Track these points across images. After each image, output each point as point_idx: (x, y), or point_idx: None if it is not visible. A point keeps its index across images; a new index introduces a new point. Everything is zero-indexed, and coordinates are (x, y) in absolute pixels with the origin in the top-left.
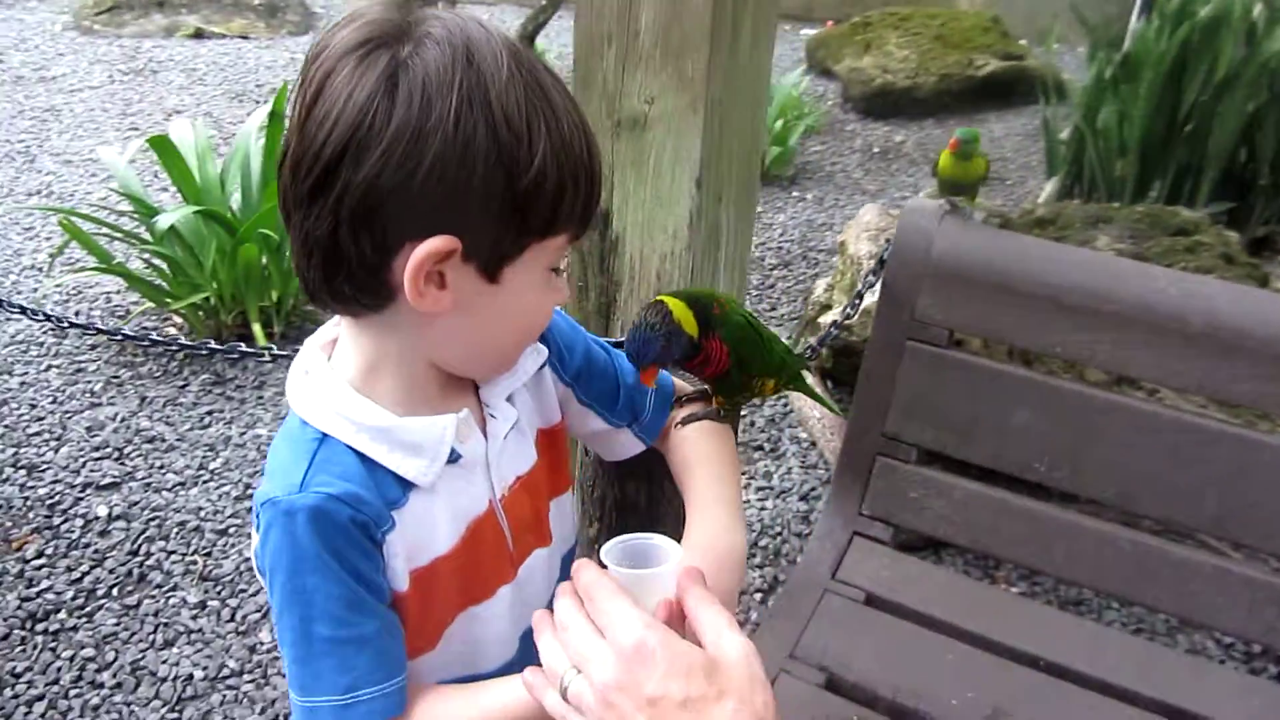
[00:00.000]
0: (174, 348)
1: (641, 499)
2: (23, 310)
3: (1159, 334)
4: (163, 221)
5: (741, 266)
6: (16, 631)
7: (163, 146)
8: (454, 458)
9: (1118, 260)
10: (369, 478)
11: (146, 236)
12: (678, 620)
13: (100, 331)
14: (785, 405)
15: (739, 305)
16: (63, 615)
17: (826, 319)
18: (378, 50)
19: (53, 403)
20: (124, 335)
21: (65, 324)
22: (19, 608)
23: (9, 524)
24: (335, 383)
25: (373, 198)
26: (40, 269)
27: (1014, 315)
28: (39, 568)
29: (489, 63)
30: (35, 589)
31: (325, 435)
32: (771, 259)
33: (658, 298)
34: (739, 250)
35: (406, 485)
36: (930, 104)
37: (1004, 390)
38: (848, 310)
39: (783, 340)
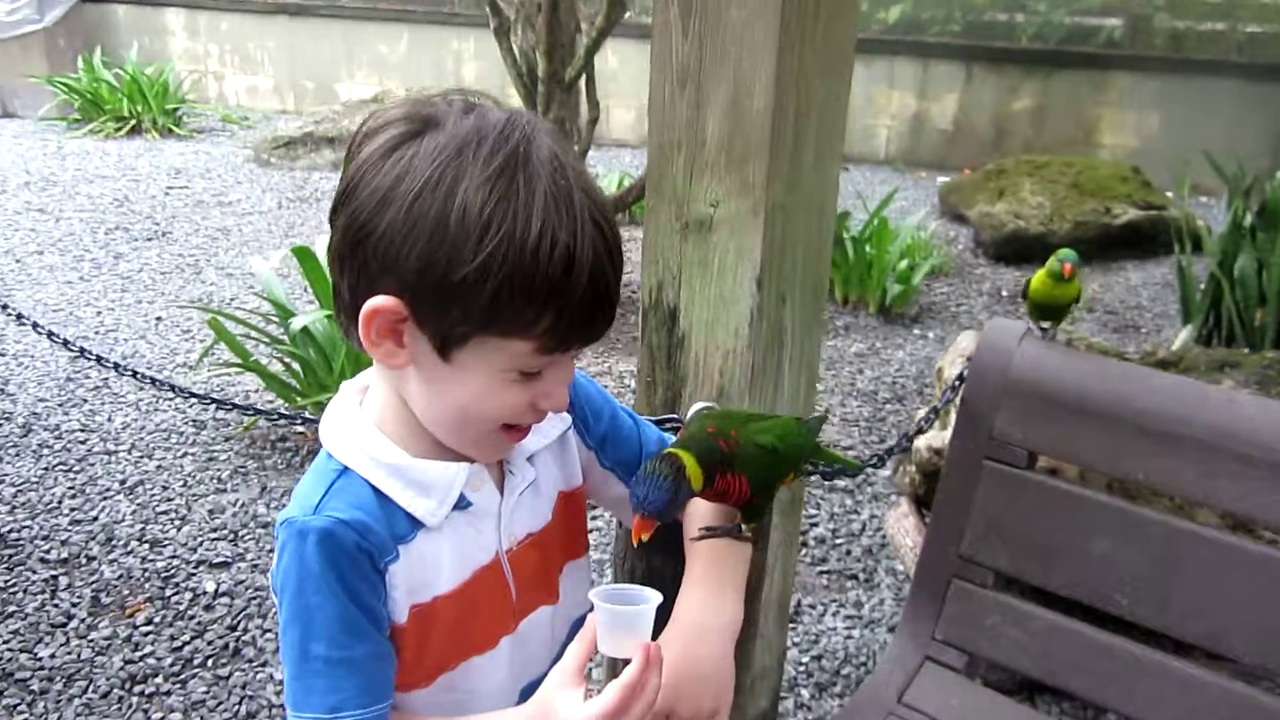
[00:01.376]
0: (295, 423)
1: (668, 572)
2: (173, 388)
3: (1246, 463)
4: (296, 323)
5: (809, 371)
6: (116, 690)
7: (305, 256)
8: (465, 505)
9: (1202, 385)
10: (380, 511)
11: (284, 338)
12: (655, 660)
13: (236, 407)
14: (882, 536)
15: (753, 424)
16: (159, 679)
17: (921, 442)
18: (411, 124)
19: (183, 485)
20: (255, 410)
21: (209, 400)
22: (121, 669)
23: (126, 592)
24: (361, 421)
25: (347, 242)
26: (191, 366)
27: (1094, 438)
28: (145, 634)
29: (481, 157)
30: (139, 653)
31: (346, 468)
32: (885, 393)
33: (670, 449)
34: (805, 354)
35: (415, 523)
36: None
37: (1084, 515)
38: (921, 424)
39: (791, 422)
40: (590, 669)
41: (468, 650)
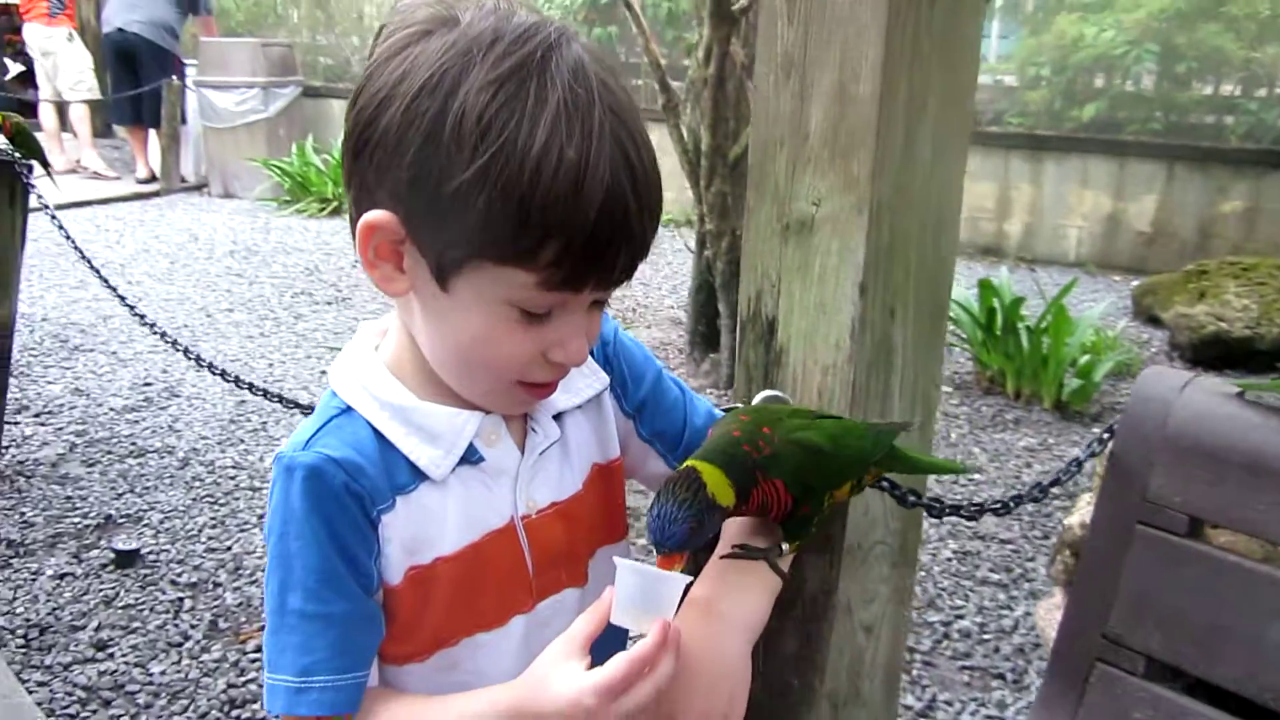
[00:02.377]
0: None
1: None
2: None
3: None
4: None
5: (926, 403)
6: (215, 712)
7: None
8: (477, 459)
9: None
10: (380, 456)
11: None
12: (673, 641)
13: None
14: (1036, 635)
15: (793, 419)
16: (256, 705)
17: (1074, 519)
18: (427, 24)
19: None
20: None
21: None
22: (224, 691)
23: (243, 619)
24: (369, 360)
25: (350, 149)
26: None
27: (1271, 502)
28: (253, 660)
29: (490, 58)
30: (243, 678)
31: (349, 408)
32: (1055, 488)
33: (689, 462)
34: (921, 382)
35: (419, 474)
36: (1272, 355)
37: (1258, 595)
38: (1059, 476)
39: (851, 424)
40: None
41: (472, 624)
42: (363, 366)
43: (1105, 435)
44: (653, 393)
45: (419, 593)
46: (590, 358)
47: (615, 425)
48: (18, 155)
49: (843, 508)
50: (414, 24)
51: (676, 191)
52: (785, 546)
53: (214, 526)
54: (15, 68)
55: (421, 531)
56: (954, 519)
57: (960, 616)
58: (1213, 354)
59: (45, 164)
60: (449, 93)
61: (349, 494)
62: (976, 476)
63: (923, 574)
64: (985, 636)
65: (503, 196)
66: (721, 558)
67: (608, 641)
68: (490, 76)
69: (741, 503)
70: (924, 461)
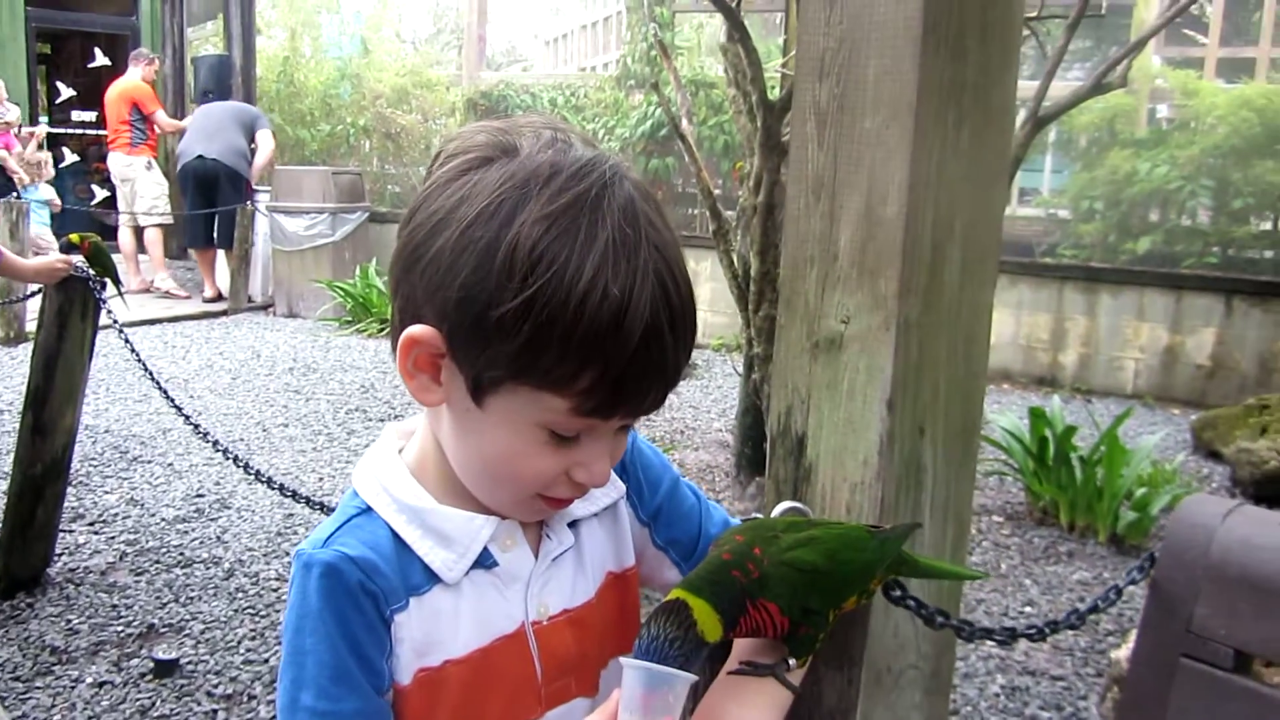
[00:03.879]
0: None
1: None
2: None
3: None
4: None
5: (958, 525)
6: None
7: None
8: (490, 564)
9: None
10: (396, 557)
11: None
12: None
13: None
14: None
15: (788, 535)
16: None
17: (1121, 654)
18: (486, 150)
19: None
20: None
21: None
22: None
23: None
24: (392, 462)
25: (401, 264)
26: None
27: None
28: None
29: (547, 193)
30: None
31: (369, 508)
32: (1108, 624)
33: (677, 593)
34: (953, 503)
35: (433, 577)
36: None
37: None
38: (1096, 603)
39: (853, 532)
40: None
41: None
42: (385, 468)
43: (1146, 563)
44: (669, 500)
45: (427, 696)
46: None
47: (631, 533)
48: (92, 273)
49: (864, 623)
50: (473, 150)
51: (729, 317)
52: (792, 662)
53: (253, 638)
54: (100, 193)
55: (433, 633)
56: (995, 649)
57: None
58: (1274, 490)
59: (118, 283)
60: (504, 223)
61: (364, 592)
62: (1027, 609)
63: (969, 709)
64: None
65: (547, 326)
66: (729, 674)
67: None
68: (545, 211)
69: (729, 630)
70: (936, 567)
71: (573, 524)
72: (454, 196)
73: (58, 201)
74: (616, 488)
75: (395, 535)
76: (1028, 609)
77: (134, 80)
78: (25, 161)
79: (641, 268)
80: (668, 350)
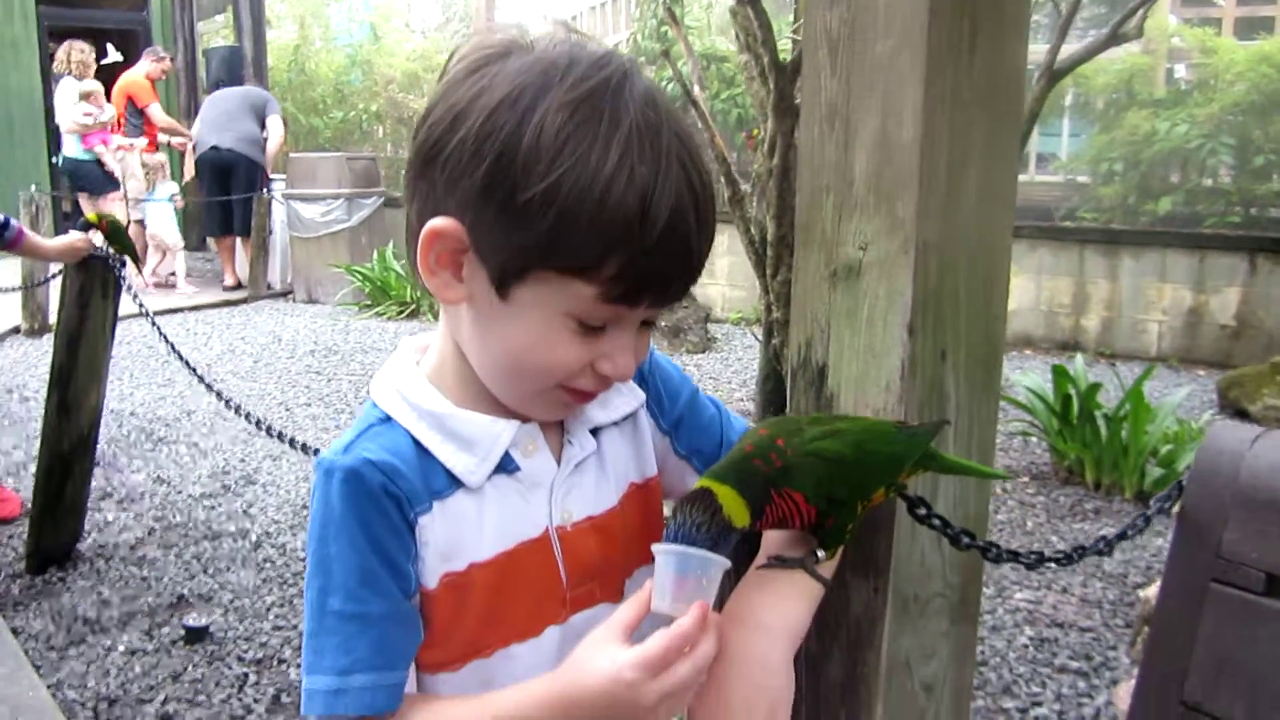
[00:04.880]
0: None
1: None
2: None
3: None
4: None
5: (982, 451)
6: None
7: None
8: (513, 468)
9: None
10: (418, 462)
11: None
12: (712, 623)
13: None
14: None
15: (813, 428)
16: None
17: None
18: (500, 47)
19: None
20: None
21: None
22: None
23: None
24: (409, 372)
25: (418, 162)
26: None
27: None
28: None
29: (568, 81)
30: None
31: (388, 417)
32: (1137, 576)
33: (702, 482)
34: (976, 430)
35: (455, 482)
36: None
37: None
38: (1125, 530)
39: (879, 426)
40: None
41: (506, 633)
42: (402, 377)
43: (1174, 491)
44: (689, 409)
45: (454, 599)
46: None
47: (652, 443)
48: (111, 252)
49: (889, 532)
50: (490, 46)
51: (747, 290)
52: (821, 554)
53: (281, 605)
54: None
55: (457, 538)
56: (1024, 601)
57: (1038, 703)
58: None
59: (137, 261)
60: (527, 109)
61: (387, 495)
62: (1053, 565)
63: (997, 659)
64: None
65: (574, 210)
66: (757, 569)
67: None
68: (568, 97)
69: (756, 519)
70: (963, 464)
71: (594, 432)
72: (474, 89)
73: (180, 198)
74: (636, 396)
75: (416, 442)
76: (1053, 565)
77: (134, 75)
78: (145, 166)
79: (665, 152)
80: (691, 235)
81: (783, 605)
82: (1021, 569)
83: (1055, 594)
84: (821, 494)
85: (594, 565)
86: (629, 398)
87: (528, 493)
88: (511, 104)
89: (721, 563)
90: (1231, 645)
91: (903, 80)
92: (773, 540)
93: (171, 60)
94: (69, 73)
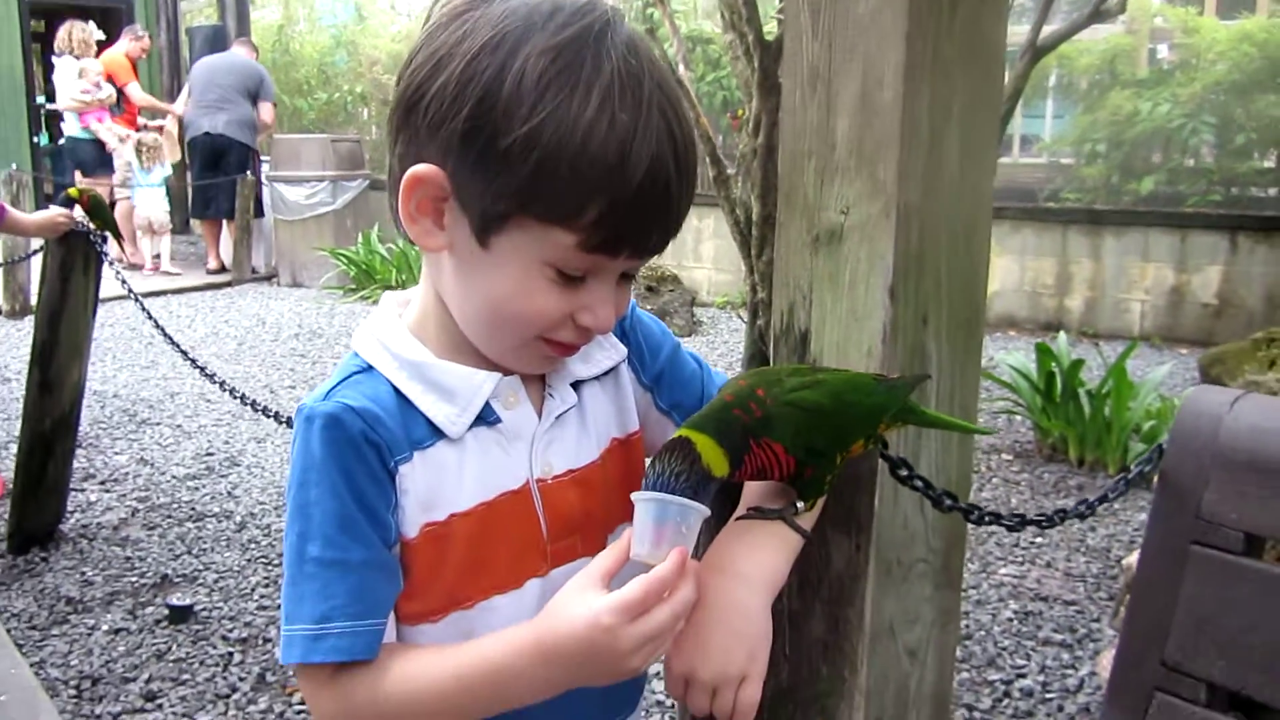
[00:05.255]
0: None
1: None
2: None
3: None
4: None
5: (966, 414)
6: None
7: None
8: (493, 420)
9: None
10: (399, 411)
11: None
12: (691, 570)
13: None
14: (1101, 694)
15: (793, 379)
16: None
17: (1135, 558)
18: None
19: None
20: None
21: None
22: None
23: (291, 673)
24: (391, 323)
25: (400, 109)
26: None
27: None
28: (299, 712)
29: (550, 27)
30: None
31: (370, 367)
32: (1119, 550)
33: (681, 431)
34: (958, 395)
35: (437, 432)
36: None
37: None
38: (1106, 493)
39: (859, 378)
40: None
41: (486, 585)
42: (384, 328)
43: (1155, 454)
44: (670, 364)
45: (434, 549)
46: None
47: (634, 399)
48: (93, 227)
49: (870, 489)
50: None
51: (733, 275)
52: (800, 505)
53: (266, 585)
54: None
55: (437, 488)
56: (1008, 576)
57: (1022, 675)
58: None
59: (119, 236)
60: (509, 53)
61: (367, 442)
62: (1039, 539)
63: (982, 633)
64: (1049, 695)
65: (554, 156)
66: (737, 519)
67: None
68: (550, 43)
69: (735, 469)
70: (943, 419)
71: (575, 386)
72: (455, 33)
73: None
74: (618, 350)
75: (397, 391)
76: (1039, 539)
77: (114, 54)
78: (142, 146)
79: (646, 100)
80: (671, 185)
81: (761, 555)
82: (1006, 544)
83: (1039, 569)
84: (800, 444)
85: (575, 518)
86: (610, 352)
87: (508, 444)
88: (493, 49)
89: (701, 510)
90: (1211, 606)
91: (884, 40)
92: (752, 492)
93: (151, 39)
94: (69, 51)
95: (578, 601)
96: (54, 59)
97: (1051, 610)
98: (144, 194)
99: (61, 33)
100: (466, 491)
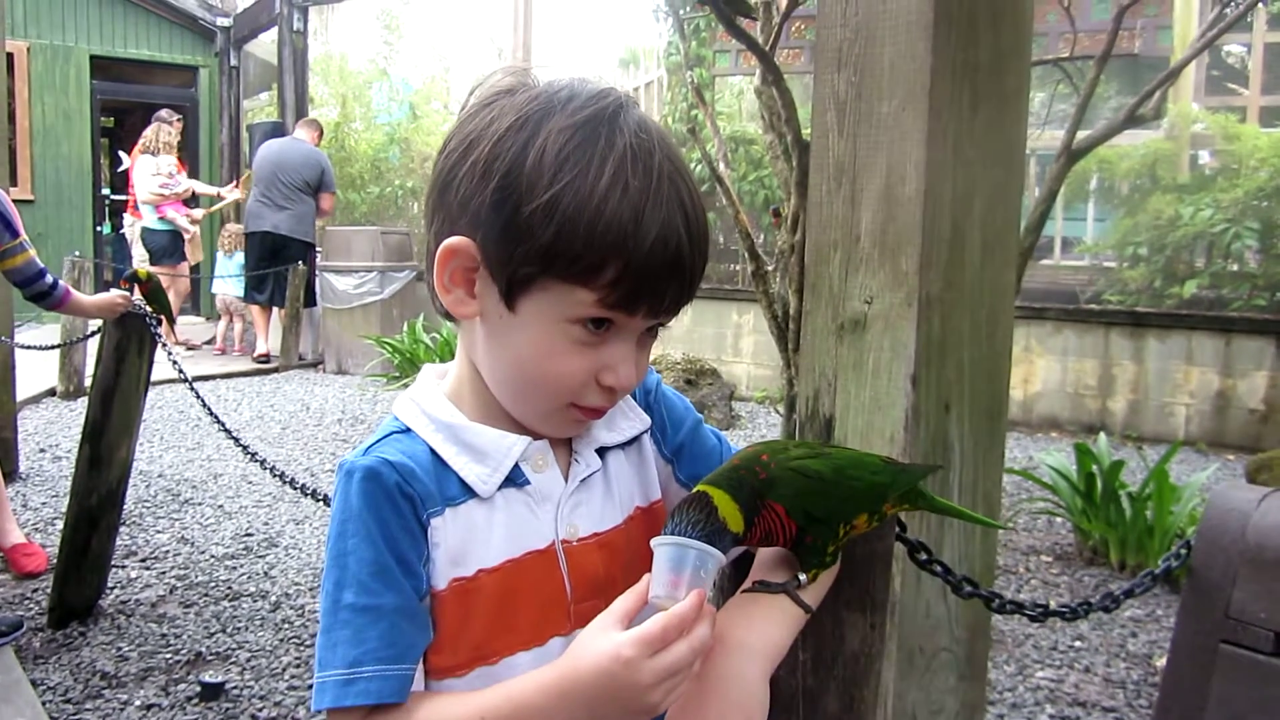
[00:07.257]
0: None
1: None
2: None
3: None
4: None
5: (987, 504)
6: None
7: None
8: (522, 482)
9: None
10: (433, 469)
11: None
12: (708, 612)
13: None
14: None
15: (799, 449)
16: None
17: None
18: (509, 83)
19: None
20: None
21: None
22: None
23: None
24: (430, 389)
25: (435, 190)
26: None
27: None
28: None
29: (569, 109)
30: None
31: (409, 428)
32: (1161, 656)
33: (699, 487)
34: (981, 483)
35: (468, 491)
36: None
37: None
38: (1133, 587)
39: (867, 458)
40: None
41: (512, 641)
42: (423, 394)
43: (1183, 549)
44: (692, 438)
45: (461, 604)
46: (633, 401)
47: (656, 469)
48: (149, 310)
49: (886, 566)
50: (500, 84)
51: (772, 370)
52: (803, 577)
53: (298, 665)
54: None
55: (467, 543)
56: (1046, 679)
57: None
58: None
59: (171, 320)
60: (532, 133)
61: (402, 495)
62: (1078, 643)
63: None
64: None
65: (573, 220)
66: (742, 592)
67: None
68: (568, 122)
69: (748, 529)
70: (954, 508)
71: (600, 453)
72: (484, 119)
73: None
74: (642, 420)
75: (432, 451)
76: (1078, 643)
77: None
78: (227, 234)
79: (657, 170)
80: (683, 246)
81: (763, 626)
82: (1044, 647)
83: (1078, 673)
84: (799, 508)
85: (599, 581)
86: (634, 421)
87: (536, 506)
88: (518, 129)
89: (718, 557)
90: (1242, 705)
91: (905, 138)
92: (759, 566)
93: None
94: (151, 150)
95: (599, 638)
96: (122, 153)
97: (1090, 717)
98: (225, 280)
99: (149, 132)
100: (494, 549)
